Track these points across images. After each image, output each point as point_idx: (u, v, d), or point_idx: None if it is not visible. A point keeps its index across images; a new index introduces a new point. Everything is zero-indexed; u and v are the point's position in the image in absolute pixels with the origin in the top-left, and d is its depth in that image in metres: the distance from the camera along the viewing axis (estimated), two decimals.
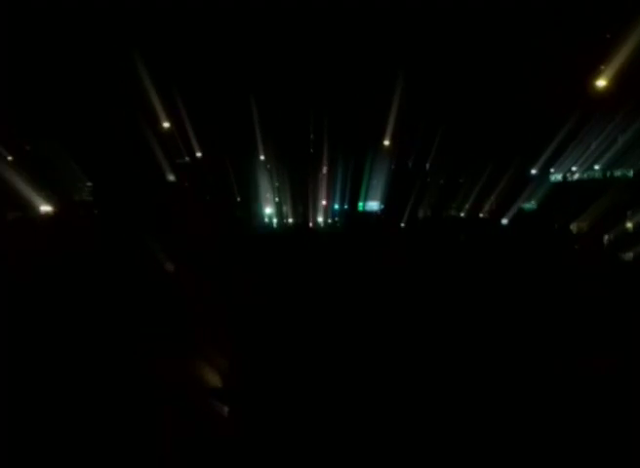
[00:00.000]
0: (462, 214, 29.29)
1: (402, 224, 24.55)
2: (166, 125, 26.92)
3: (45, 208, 26.31)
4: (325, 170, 31.73)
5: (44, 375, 5.93)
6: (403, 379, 6.06)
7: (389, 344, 7.01)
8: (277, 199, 31.81)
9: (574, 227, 21.11)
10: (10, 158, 27.08)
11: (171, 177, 27.92)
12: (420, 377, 6.11)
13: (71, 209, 26.22)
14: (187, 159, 29.27)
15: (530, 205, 27.88)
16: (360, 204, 32.33)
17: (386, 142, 30.18)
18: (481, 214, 28.52)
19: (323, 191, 31.68)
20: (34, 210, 25.78)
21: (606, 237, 17.35)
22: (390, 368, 6.36)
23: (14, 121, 25.28)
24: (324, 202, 32.16)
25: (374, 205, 32.28)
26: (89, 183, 28.55)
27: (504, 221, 25.90)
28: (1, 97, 24.09)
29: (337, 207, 32.59)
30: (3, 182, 24.99)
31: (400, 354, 6.75)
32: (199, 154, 29.31)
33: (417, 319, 7.91)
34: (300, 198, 31.36)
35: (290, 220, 31.13)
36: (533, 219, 24.34)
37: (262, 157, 30.31)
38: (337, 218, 31.93)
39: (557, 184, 28.76)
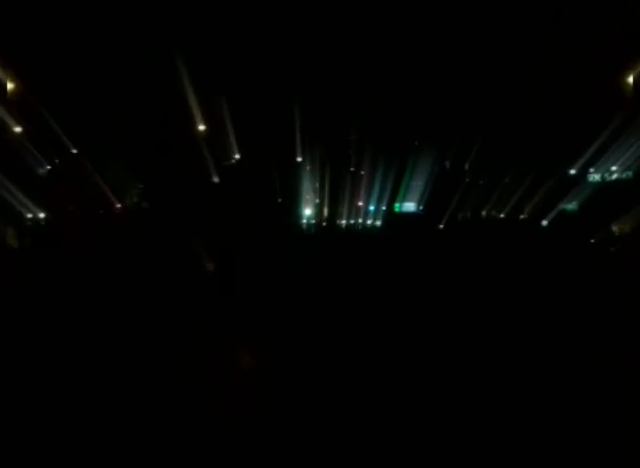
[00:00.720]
0: (502, 216, 29.03)
1: (441, 226, 24.54)
2: (209, 127, 27.46)
3: (89, 209, 27.11)
4: (362, 170, 31.77)
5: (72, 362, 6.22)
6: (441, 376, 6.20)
7: (429, 343, 7.16)
8: (317, 200, 32.01)
9: (616, 229, 20.78)
10: (56, 161, 27.93)
11: (215, 179, 28.47)
12: (459, 372, 6.24)
13: (114, 210, 26.97)
14: (230, 160, 29.74)
15: (570, 206, 27.44)
16: (396, 205, 32.30)
17: (424, 143, 30.15)
18: (521, 216, 28.24)
19: (360, 192, 31.75)
20: (78, 211, 26.59)
21: None
22: (424, 365, 6.49)
23: (61, 124, 26.04)
24: (360, 203, 32.20)
25: (410, 206, 32.22)
26: (139, 185, 29.23)
27: (544, 223, 25.62)
28: (49, 100, 24.96)
29: (373, 208, 32.57)
30: (51, 184, 25.89)
31: (438, 352, 6.89)
32: (240, 156, 29.75)
33: (455, 316, 8.04)
34: (338, 199, 31.52)
35: (328, 221, 31.35)
36: (573, 221, 24.06)
37: (301, 158, 30.59)
38: (374, 219, 31.98)
39: (598, 185, 28.21)
